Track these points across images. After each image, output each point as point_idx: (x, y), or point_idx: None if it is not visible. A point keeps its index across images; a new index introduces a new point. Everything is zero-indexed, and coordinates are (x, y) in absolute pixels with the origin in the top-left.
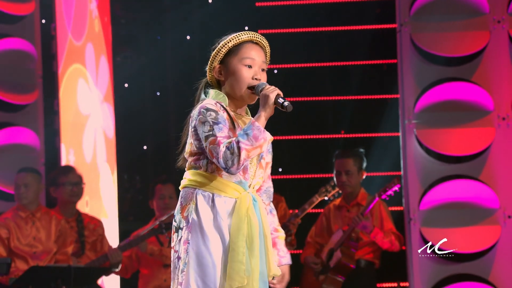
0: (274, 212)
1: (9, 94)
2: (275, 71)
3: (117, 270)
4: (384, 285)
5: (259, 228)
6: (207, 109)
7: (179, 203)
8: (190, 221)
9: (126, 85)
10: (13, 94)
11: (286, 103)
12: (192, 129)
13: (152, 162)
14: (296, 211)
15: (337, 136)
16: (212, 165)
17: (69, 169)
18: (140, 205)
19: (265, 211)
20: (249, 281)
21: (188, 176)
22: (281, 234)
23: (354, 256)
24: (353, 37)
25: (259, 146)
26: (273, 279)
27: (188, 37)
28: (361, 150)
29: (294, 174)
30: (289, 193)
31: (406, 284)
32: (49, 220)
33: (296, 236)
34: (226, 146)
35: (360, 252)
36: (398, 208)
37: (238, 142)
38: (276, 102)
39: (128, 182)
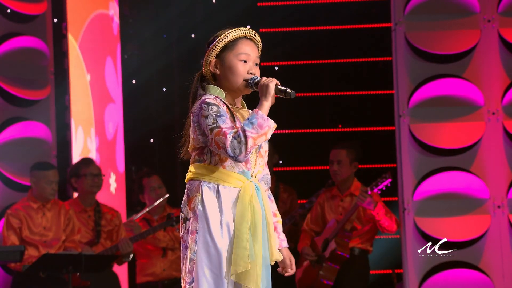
0: (272, 198)
1: (22, 90)
2: (276, 68)
3: (128, 260)
4: (380, 272)
5: (262, 215)
6: (208, 104)
7: (185, 195)
8: (197, 212)
9: (133, 81)
10: (26, 89)
11: (289, 90)
12: (195, 124)
13: (158, 154)
14: (304, 201)
15: (334, 130)
16: (215, 157)
17: (90, 161)
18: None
19: (268, 198)
20: (253, 265)
21: (193, 170)
22: (279, 218)
23: (348, 246)
24: (350, 36)
25: (264, 133)
26: (284, 268)
27: (192, 35)
28: (357, 143)
29: (293, 166)
30: (288, 184)
31: (401, 271)
32: (58, 210)
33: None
34: (232, 136)
35: (354, 242)
36: (393, 199)
37: (244, 131)
38: (278, 91)
39: (135, 173)
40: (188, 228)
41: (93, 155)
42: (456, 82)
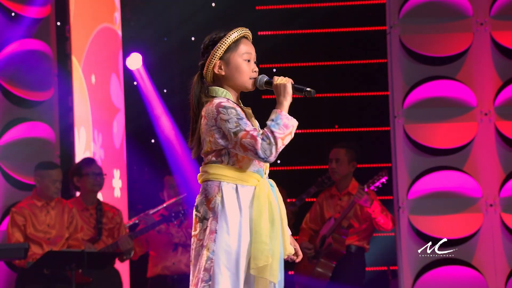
0: None
1: (27, 92)
2: (274, 70)
3: (129, 257)
4: (375, 269)
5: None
6: (226, 107)
7: (202, 195)
8: (217, 212)
9: (135, 83)
10: (30, 91)
11: (308, 89)
12: (212, 127)
13: (159, 154)
14: (294, 200)
15: (331, 130)
16: (233, 158)
17: (92, 161)
18: (148, 194)
19: (280, 195)
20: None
21: (210, 170)
22: None
23: (345, 243)
24: (347, 39)
25: (289, 133)
26: (290, 255)
27: (192, 38)
28: (357, 144)
29: (291, 166)
30: (286, 183)
31: (395, 268)
32: (61, 208)
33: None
34: (261, 138)
35: (350, 239)
36: (388, 197)
37: (272, 132)
38: (295, 90)
39: (137, 173)
40: (206, 227)
41: (96, 154)
42: (449, 84)
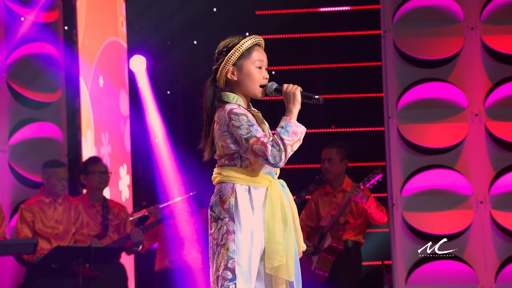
0: None
1: (36, 93)
2: (273, 73)
3: (138, 249)
4: (370, 264)
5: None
6: (237, 114)
7: (217, 196)
8: (232, 212)
9: (139, 85)
10: (39, 93)
11: (316, 96)
12: (224, 133)
13: (162, 154)
14: (294, 197)
15: (328, 130)
16: (246, 161)
17: (98, 159)
18: (151, 191)
19: (291, 194)
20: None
21: (224, 173)
22: None
23: (342, 238)
24: (343, 42)
25: (298, 139)
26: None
27: (195, 42)
28: (347, 142)
29: (289, 165)
30: (285, 181)
31: (390, 262)
32: (68, 205)
33: None
34: (271, 145)
35: (347, 234)
36: (383, 195)
37: (282, 139)
38: (304, 97)
39: (141, 171)
40: (221, 227)
41: (104, 154)
42: (441, 86)
